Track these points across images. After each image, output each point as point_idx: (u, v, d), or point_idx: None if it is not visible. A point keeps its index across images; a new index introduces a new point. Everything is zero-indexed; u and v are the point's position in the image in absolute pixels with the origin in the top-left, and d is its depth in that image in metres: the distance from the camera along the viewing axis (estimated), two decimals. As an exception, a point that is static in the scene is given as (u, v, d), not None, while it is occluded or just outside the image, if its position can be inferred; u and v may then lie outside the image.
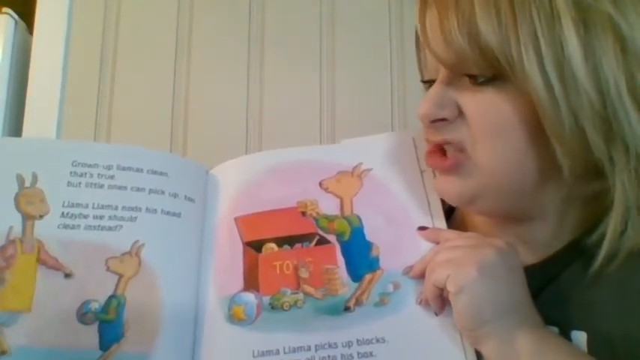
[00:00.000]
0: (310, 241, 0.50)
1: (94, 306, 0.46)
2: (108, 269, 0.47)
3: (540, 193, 0.47)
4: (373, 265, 0.49)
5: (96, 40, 1.41)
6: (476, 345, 0.44)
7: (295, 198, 0.52)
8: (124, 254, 0.48)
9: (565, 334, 0.46)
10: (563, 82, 0.41)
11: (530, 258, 0.50)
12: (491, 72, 0.43)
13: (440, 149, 0.49)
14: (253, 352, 0.46)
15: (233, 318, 0.47)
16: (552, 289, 0.48)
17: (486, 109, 0.45)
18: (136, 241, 0.48)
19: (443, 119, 0.47)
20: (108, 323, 0.45)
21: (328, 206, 0.52)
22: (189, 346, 0.47)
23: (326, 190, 0.52)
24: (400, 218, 0.51)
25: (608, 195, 0.44)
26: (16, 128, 1.38)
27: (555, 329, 0.46)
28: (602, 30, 0.41)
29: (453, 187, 0.49)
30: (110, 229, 0.48)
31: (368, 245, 0.50)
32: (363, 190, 0.53)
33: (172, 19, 1.41)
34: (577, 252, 0.48)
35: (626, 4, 0.42)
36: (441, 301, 0.46)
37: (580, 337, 0.45)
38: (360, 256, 0.50)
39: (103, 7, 1.42)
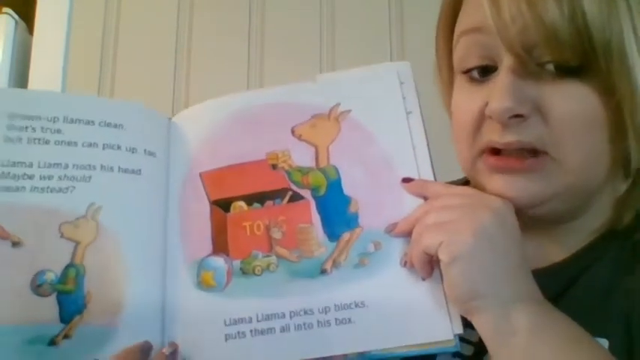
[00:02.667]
0: (282, 198, 0.46)
1: (50, 276, 0.42)
2: (62, 236, 0.43)
3: (600, 190, 0.46)
4: (351, 222, 0.45)
5: (96, 40, 1.40)
6: (467, 315, 0.41)
7: (264, 149, 0.47)
8: (78, 219, 0.44)
9: None
10: None
11: (556, 256, 0.48)
12: (578, 60, 0.41)
13: (493, 149, 0.44)
14: (224, 320, 0.43)
15: (202, 284, 0.44)
16: (572, 292, 0.46)
17: (573, 104, 0.42)
18: (92, 204, 0.44)
19: (519, 115, 0.42)
20: (67, 294, 0.42)
21: (302, 157, 0.46)
22: (158, 316, 0.44)
23: (299, 137, 0.47)
24: (382, 168, 0.46)
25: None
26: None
27: None
28: None
29: (529, 188, 0.43)
30: (61, 190, 0.44)
31: (346, 200, 0.45)
32: (340, 136, 0.47)
33: (172, 19, 1.40)
34: (601, 249, 0.47)
35: None
36: (429, 267, 0.42)
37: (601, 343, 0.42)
38: (337, 213, 0.45)
39: (103, 7, 1.41)
